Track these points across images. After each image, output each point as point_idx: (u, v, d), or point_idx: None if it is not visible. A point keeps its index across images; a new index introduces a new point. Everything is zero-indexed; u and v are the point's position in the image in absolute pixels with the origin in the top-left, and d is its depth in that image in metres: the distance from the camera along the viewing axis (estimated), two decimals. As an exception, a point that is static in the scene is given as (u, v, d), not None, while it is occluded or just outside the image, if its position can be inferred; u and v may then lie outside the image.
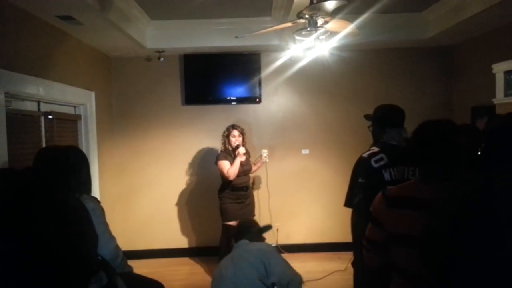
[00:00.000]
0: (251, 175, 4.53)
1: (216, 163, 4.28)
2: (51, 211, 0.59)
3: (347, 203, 2.87)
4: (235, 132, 4.27)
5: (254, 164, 4.53)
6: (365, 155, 2.71)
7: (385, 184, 2.49)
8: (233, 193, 4.26)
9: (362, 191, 2.68)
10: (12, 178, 0.62)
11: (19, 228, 0.55)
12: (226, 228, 4.29)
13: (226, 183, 4.28)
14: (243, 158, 4.20)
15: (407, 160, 2.49)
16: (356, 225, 2.88)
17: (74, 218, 0.64)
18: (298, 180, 5.12)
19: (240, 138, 4.27)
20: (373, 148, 2.74)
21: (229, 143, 4.27)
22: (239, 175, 4.21)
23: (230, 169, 4.15)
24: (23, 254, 0.54)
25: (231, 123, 4.44)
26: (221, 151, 4.35)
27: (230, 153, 4.27)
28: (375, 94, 4.84)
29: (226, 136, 4.31)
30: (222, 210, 4.32)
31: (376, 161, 2.63)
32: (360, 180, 2.72)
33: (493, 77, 3.75)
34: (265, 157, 4.46)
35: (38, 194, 0.60)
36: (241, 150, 4.17)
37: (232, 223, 4.25)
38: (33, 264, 0.54)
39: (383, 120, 2.76)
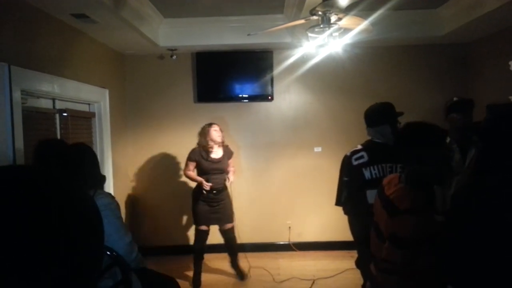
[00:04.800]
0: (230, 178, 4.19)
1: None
2: (66, 206, 0.58)
3: (337, 201, 2.89)
4: (216, 127, 4.06)
5: (233, 172, 4.25)
6: (348, 153, 2.74)
7: (366, 182, 2.52)
8: (204, 194, 3.99)
9: (346, 188, 2.70)
10: (21, 175, 0.60)
11: (32, 224, 0.53)
12: (198, 232, 4.10)
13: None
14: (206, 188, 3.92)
15: (392, 158, 2.50)
16: (350, 223, 2.89)
17: (90, 213, 0.63)
18: (310, 178, 5.10)
19: (221, 134, 4.07)
20: (358, 146, 2.75)
21: (211, 138, 4.00)
22: (208, 173, 3.95)
23: (188, 172, 4.03)
24: (36, 250, 0.53)
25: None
26: (197, 147, 4.09)
27: (207, 151, 4.00)
28: (388, 91, 4.78)
29: (207, 131, 4.03)
30: (193, 212, 4.13)
31: (356, 159, 2.67)
32: (344, 178, 2.75)
33: (510, 74, 3.68)
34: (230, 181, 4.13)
35: (51, 189, 0.59)
36: (206, 187, 3.90)
37: (203, 227, 4.06)
38: (47, 260, 0.54)
39: (366, 121, 2.87)
